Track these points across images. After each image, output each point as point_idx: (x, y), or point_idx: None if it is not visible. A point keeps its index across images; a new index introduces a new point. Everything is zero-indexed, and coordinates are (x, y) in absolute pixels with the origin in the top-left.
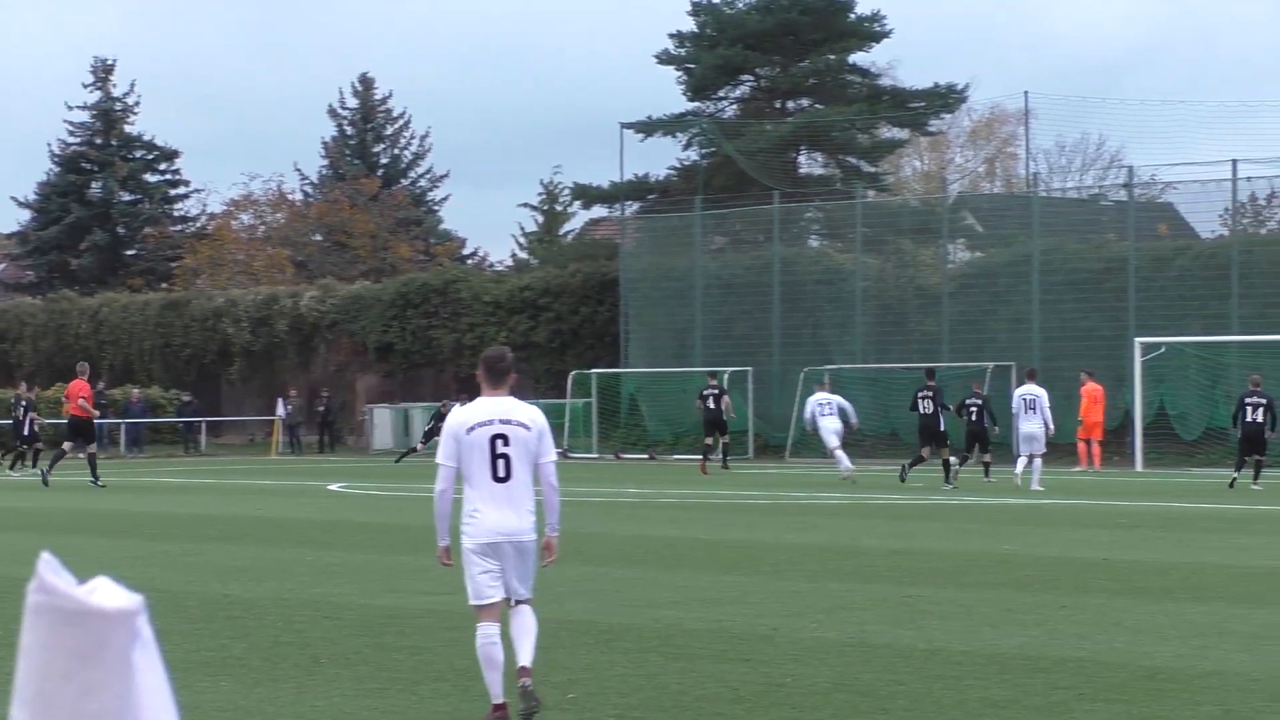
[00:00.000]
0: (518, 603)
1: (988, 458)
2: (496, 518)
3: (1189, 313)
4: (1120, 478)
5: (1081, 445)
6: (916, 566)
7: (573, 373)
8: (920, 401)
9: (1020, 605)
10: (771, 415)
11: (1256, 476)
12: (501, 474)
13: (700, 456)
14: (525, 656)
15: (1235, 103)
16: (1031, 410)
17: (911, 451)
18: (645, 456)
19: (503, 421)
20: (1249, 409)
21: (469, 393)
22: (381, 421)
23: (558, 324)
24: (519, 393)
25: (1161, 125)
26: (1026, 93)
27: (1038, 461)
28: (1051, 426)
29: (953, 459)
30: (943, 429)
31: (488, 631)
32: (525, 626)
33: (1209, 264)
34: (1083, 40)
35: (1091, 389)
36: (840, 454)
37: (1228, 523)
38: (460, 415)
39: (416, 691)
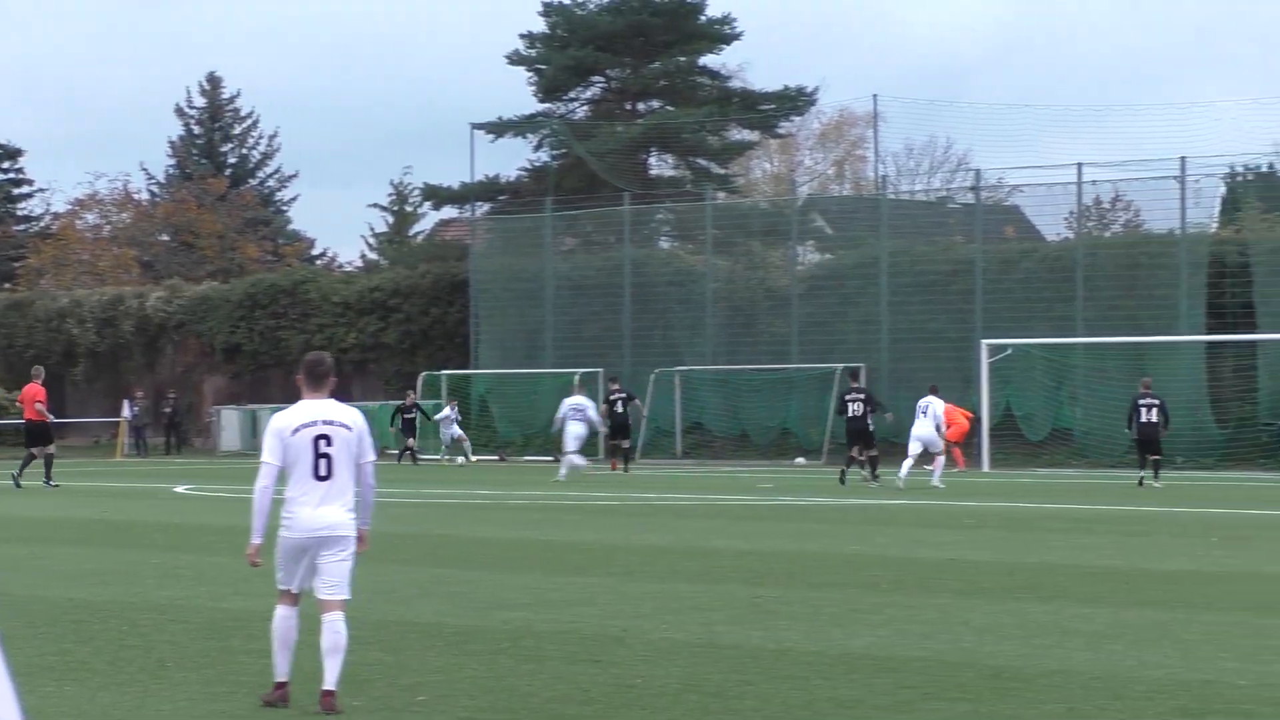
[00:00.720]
0: (329, 606)
1: (874, 452)
2: (317, 514)
3: (1035, 314)
4: (967, 478)
5: (957, 450)
6: (764, 567)
7: (423, 374)
8: (849, 405)
9: (867, 605)
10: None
11: (1156, 474)
12: (323, 473)
13: (611, 456)
14: (331, 679)
15: (1081, 106)
16: (923, 414)
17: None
18: (495, 458)
19: (325, 423)
20: (1143, 410)
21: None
22: (229, 423)
23: (408, 325)
24: (340, 395)
25: (1009, 128)
26: (875, 96)
27: (940, 459)
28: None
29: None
30: (871, 430)
31: (285, 614)
32: (335, 645)
33: (1054, 266)
34: (934, 43)
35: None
36: (577, 459)
37: (1072, 523)
38: (284, 418)
39: (263, 693)
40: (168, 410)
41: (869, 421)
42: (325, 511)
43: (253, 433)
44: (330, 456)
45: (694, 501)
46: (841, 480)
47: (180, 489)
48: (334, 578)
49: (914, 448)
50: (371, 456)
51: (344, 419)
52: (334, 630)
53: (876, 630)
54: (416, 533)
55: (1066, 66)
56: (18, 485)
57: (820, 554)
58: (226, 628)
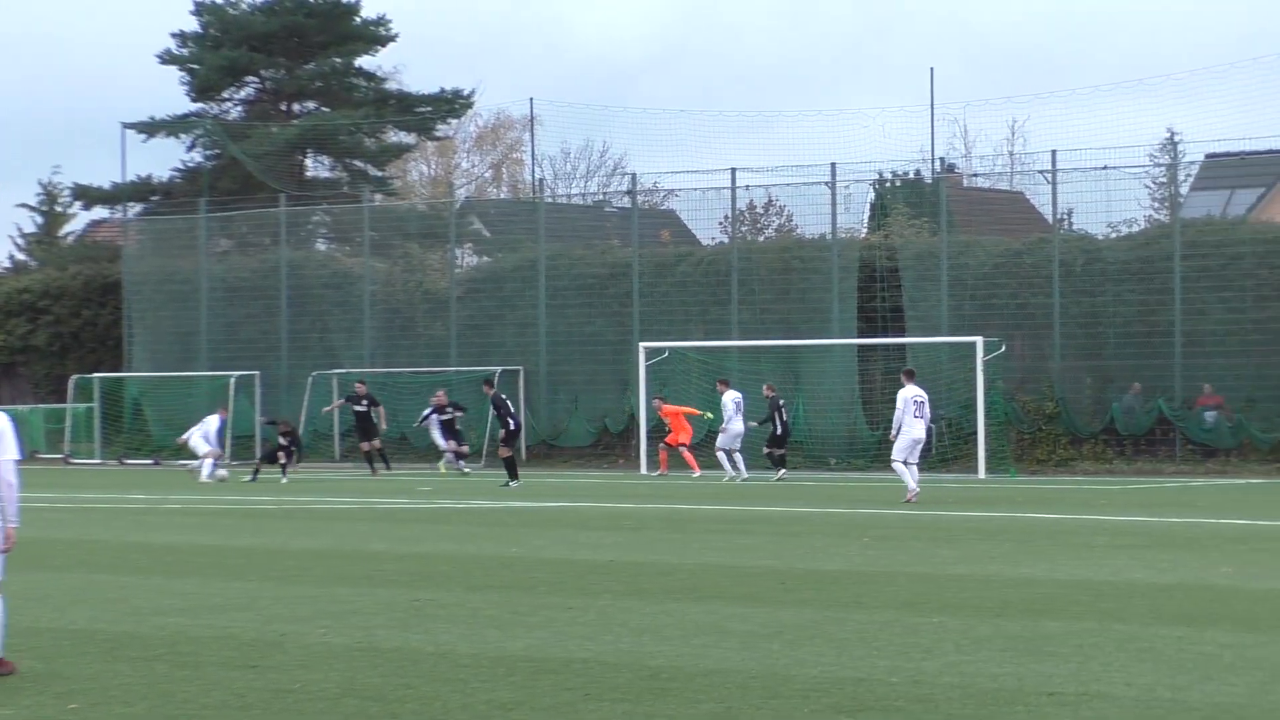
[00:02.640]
0: None
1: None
2: None
3: (691, 317)
4: (626, 480)
5: (664, 452)
6: (425, 570)
7: (74, 377)
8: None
9: (526, 607)
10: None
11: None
12: None
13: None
14: None
15: (737, 113)
16: (919, 415)
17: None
18: (150, 462)
19: None
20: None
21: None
22: None
23: (58, 327)
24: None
25: (666, 133)
26: (531, 99)
27: (915, 469)
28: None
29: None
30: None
31: None
32: None
33: (710, 270)
34: (598, 48)
35: (669, 410)
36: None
37: (731, 524)
38: None
39: None
40: None
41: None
42: None
43: None
44: None
45: (354, 505)
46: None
47: None
48: None
49: (912, 455)
50: (12, 455)
51: None
52: None
53: (535, 632)
54: (68, 537)
55: (727, 74)
56: None
57: (480, 556)
58: None
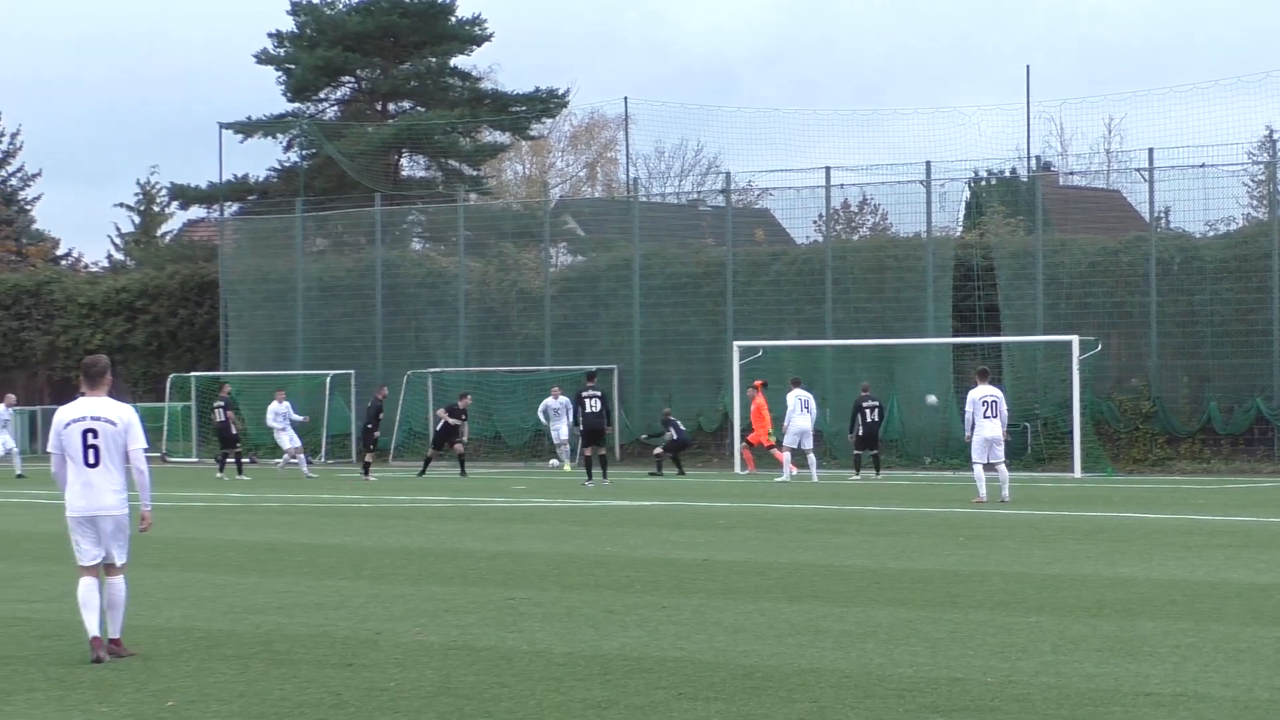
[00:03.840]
0: (111, 570)
1: (603, 451)
2: (88, 496)
3: (785, 317)
4: (719, 480)
5: (747, 451)
6: (519, 569)
7: (171, 376)
8: (587, 401)
9: (621, 606)
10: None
11: (878, 469)
12: (91, 461)
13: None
14: (116, 628)
15: (833, 111)
16: (992, 415)
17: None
18: (247, 460)
19: (94, 418)
20: (867, 411)
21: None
22: None
23: (155, 326)
24: (116, 394)
25: (762, 132)
26: (626, 98)
27: (1003, 469)
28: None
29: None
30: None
31: (88, 583)
32: (115, 600)
33: (804, 269)
34: (705, 45)
35: (760, 402)
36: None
37: (823, 523)
38: (61, 413)
39: (8, 702)
40: None
41: (605, 420)
42: (96, 496)
43: None
44: (97, 448)
45: (448, 504)
46: (588, 475)
47: None
48: (115, 547)
49: (993, 454)
50: (141, 444)
51: (111, 414)
52: (114, 588)
53: (630, 631)
54: (165, 535)
55: (830, 71)
56: None
57: (575, 555)
58: None
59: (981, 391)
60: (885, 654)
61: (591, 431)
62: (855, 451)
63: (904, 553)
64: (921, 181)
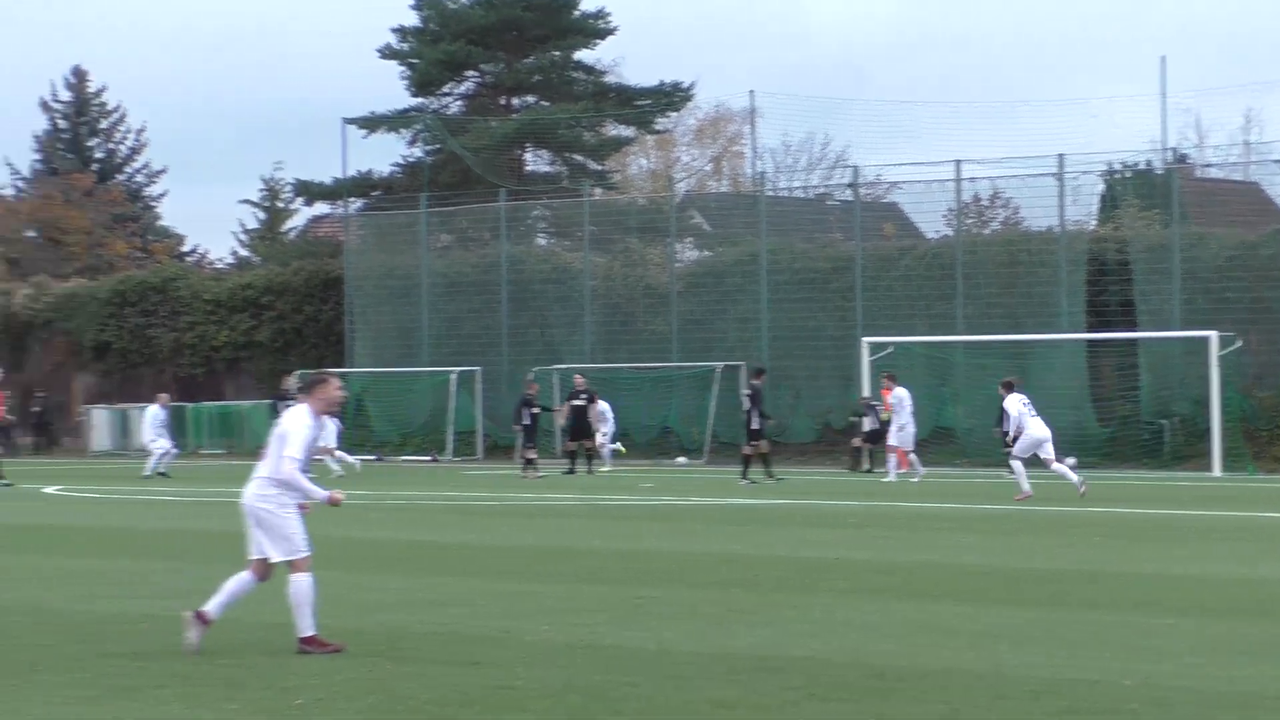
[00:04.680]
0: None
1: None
2: None
3: (915, 312)
4: (850, 478)
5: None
6: (645, 567)
7: (296, 372)
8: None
9: (748, 605)
10: (500, 414)
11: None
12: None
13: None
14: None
15: (963, 102)
16: (1035, 414)
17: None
18: (373, 458)
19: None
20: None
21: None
22: (100, 423)
23: (280, 323)
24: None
25: (891, 125)
26: (752, 91)
27: (1057, 465)
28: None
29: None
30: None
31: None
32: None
33: (934, 264)
34: (836, 37)
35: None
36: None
37: (954, 522)
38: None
39: (135, 698)
40: (36, 410)
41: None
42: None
43: (123, 432)
44: None
45: (575, 502)
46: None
47: (50, 490)
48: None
49: (1042, 452)
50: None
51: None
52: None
53: (757, 630)
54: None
55: (963, 63)
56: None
57: (702, 554)
58: (98, 630)
59: (1017, 396)
60: (1019, 655)
61: (752, 431)
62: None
63: (1039, 552)
64: (1054, 174)
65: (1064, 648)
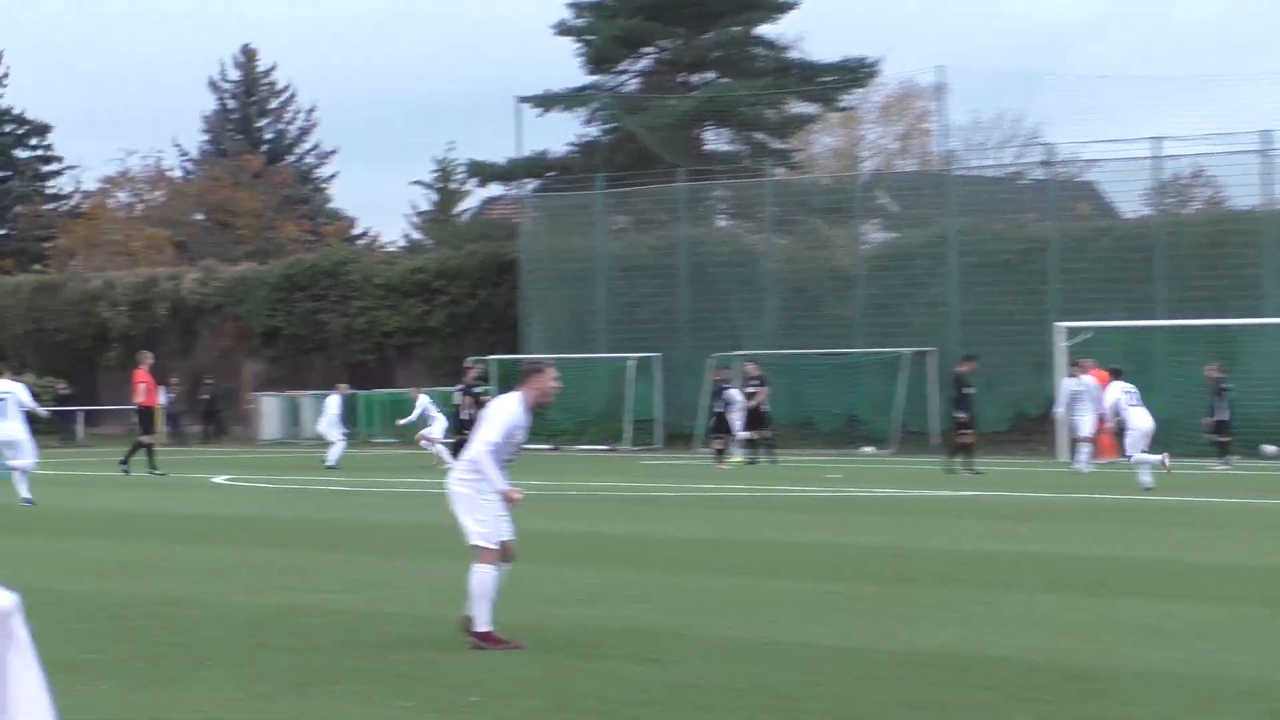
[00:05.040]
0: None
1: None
2: None
3: (1113, 296)
4: (1045, 468)
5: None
6: (830, 561)
7: (470, 358)
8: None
9: (939, 601)
10: (680, 402)
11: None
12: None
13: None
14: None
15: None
16: (1136, 404)
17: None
18: (549, 447)
19: None
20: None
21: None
22: (269, 410)
23: (453, 307)
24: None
25: (1087, 101)
26: (939, 67)
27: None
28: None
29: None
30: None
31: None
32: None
33: (1132, 245)
34: (1033, 9)
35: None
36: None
37: (1157, 515)
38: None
39: (308, 695)
40: (205, 397)
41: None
42: None
43: (293, 420)
44: None
45: (755, 493)
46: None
47: (219, 479)
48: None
49: (1144, 442)
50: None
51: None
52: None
53: (948, 628)
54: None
55: (1164, 36)
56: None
57: (890, 547)
58: (268, 624)
59: (1119, 384)
60: (1226, 655)
61: (959, 419)
62: (1220, 439)
63: (1244, 547)
64: (1256, 151)
65: (1275, 646)
